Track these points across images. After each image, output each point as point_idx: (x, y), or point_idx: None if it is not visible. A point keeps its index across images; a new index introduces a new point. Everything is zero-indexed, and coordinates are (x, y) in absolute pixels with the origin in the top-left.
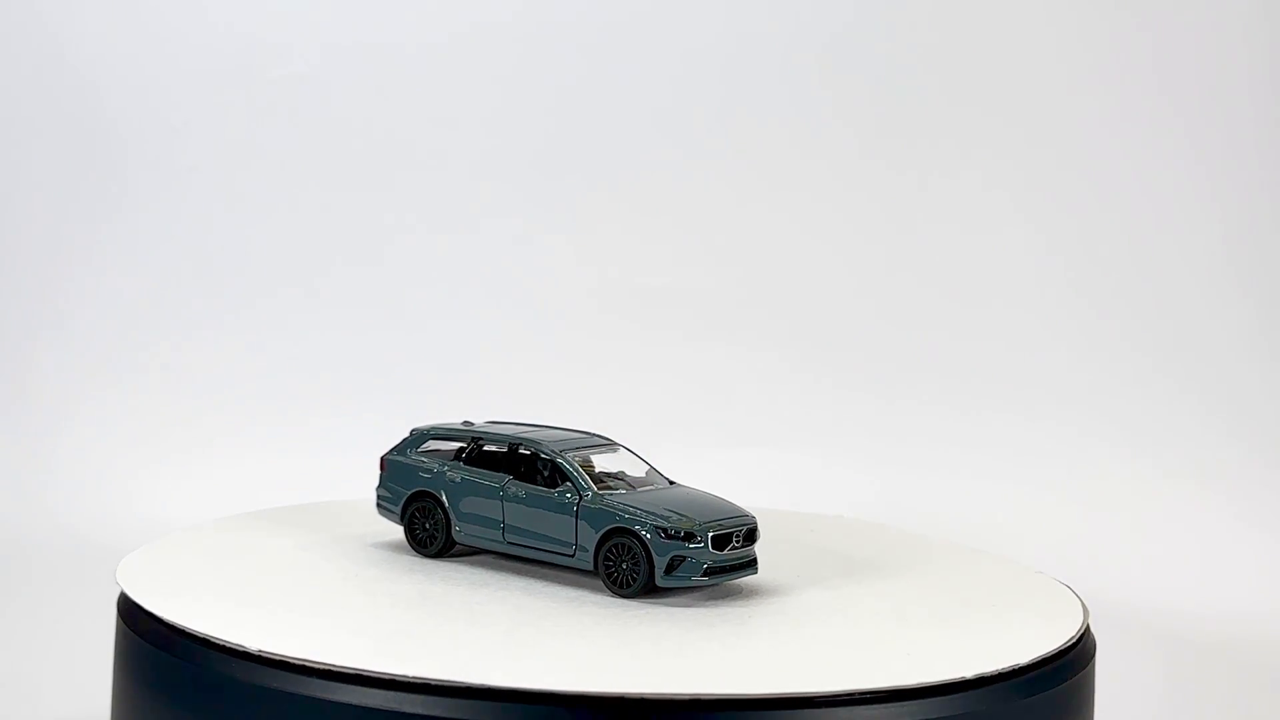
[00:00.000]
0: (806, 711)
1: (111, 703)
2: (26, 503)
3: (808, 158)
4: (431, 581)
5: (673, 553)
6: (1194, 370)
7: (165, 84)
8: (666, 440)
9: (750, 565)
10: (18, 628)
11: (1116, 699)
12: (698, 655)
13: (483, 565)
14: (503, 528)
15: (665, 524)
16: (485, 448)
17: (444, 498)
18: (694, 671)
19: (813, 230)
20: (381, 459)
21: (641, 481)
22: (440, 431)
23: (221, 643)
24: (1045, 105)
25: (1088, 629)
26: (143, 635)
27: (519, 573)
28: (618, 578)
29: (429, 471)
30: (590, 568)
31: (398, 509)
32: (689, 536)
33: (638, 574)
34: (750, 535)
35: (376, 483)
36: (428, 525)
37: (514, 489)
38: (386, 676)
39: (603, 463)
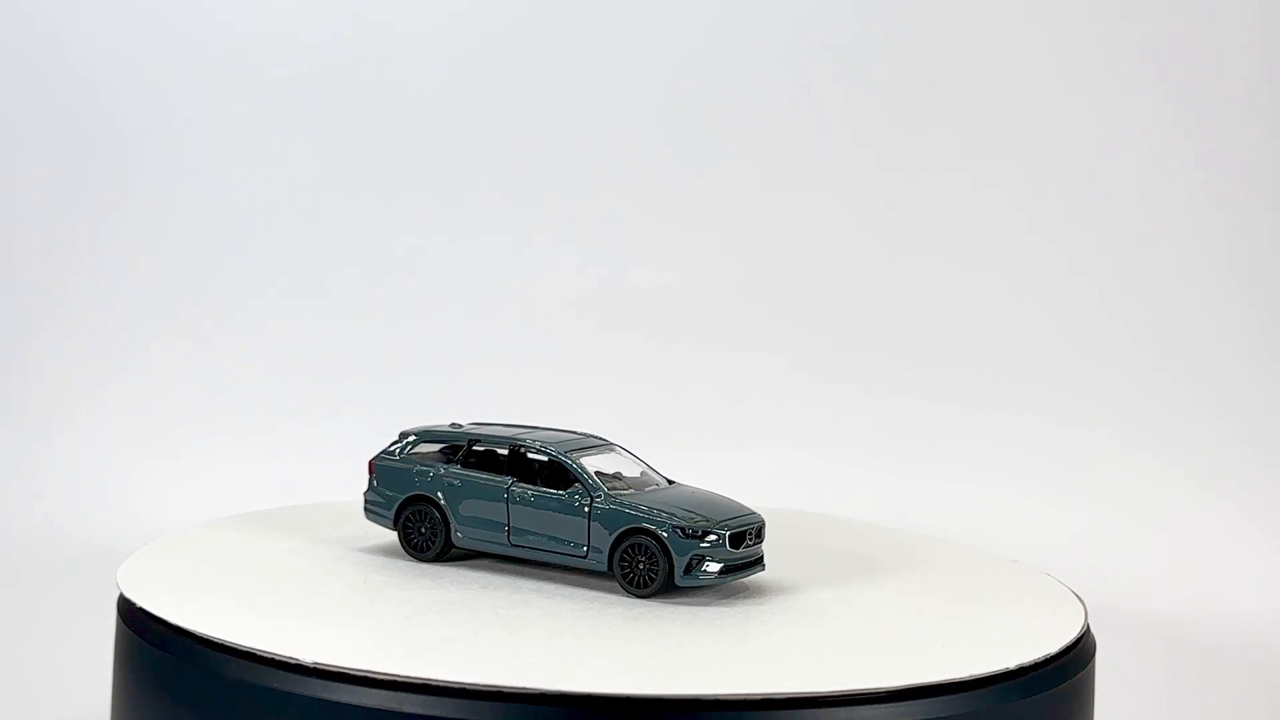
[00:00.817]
0: (807, 711)
1: (111, 703)
2: (26, 503)
3: (808, 157)
4: (431, 582)
5: (692, 552)
6: (1196, 369)
7: (165, 84)
8: (665, 440)
9: (759, 563)
10: (18, 628)
11: (1116, 699)
12: (697, 655)
13: (481, 566)
14: (508, 530)
15: (685, 524)
16: (483, 450)
17: (442, 501)
18: (694, 672)
19: (813, 230)
20: (370, 462)
21: (640, 481)
22: (432, 434)
23: (221, 643)
24: (1048, 104)
25: (1088, 629)
26: (143, 635)
27: (518, 573)
28: (634, 578)
29: (424, 474)
30: (603, 568)
31: (390, 513)
32: (706, 535)
33: (655, 574)
34: (759, 533)
35: (365, 487)
36: (423, 529)
37: (520, 491)
38: (386, 676)
39: (598, 463)
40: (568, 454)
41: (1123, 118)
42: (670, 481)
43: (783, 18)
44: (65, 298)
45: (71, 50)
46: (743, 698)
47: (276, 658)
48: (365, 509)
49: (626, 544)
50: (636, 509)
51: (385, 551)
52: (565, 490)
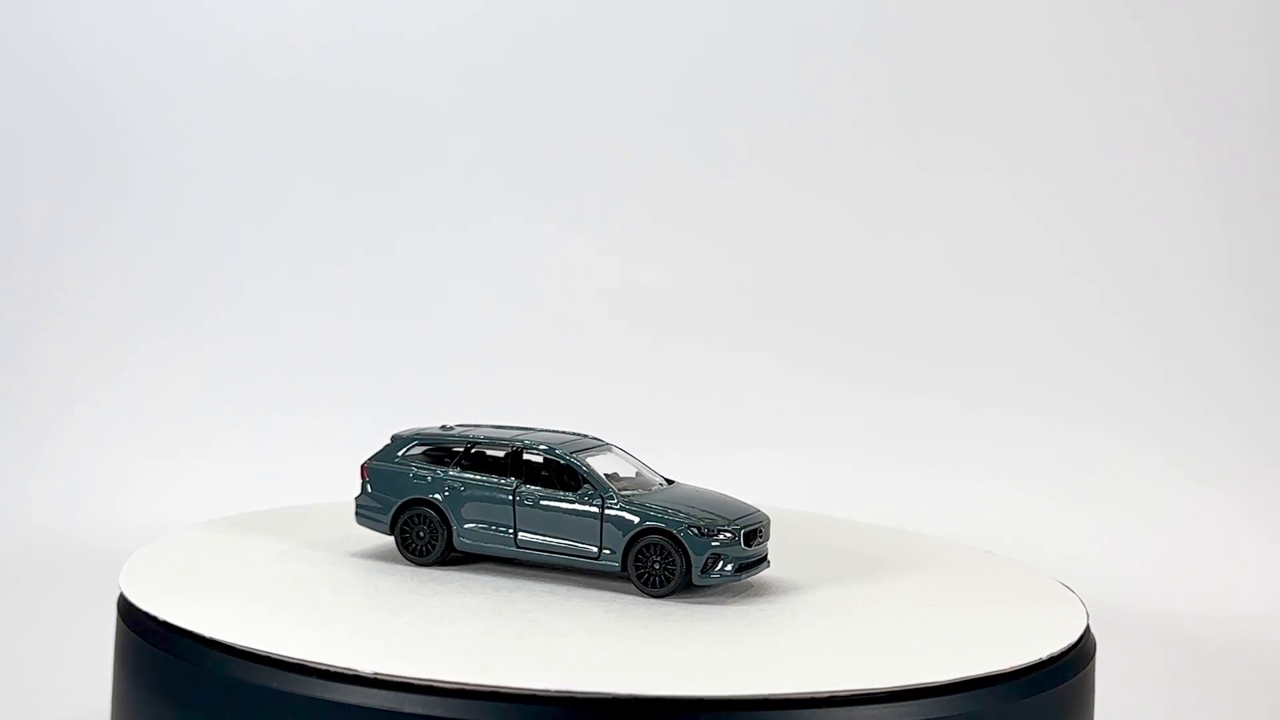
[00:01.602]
0: (807, 711)
1: (111, 703)
2: (25, 503)
3: (810, 157)
4: (431, 582)
5: (710, 551)
6: (1196, 369)
7: (164, 85)
8: (665, 440)
9: (765, 560)
10: (18, 628)
11: (1116, 699)
12: (698, 656)
13: (481, 567)
14: (515, 533)
15: (701, 523)
16: (482, 452)
17: (443, 504)
18: (694, 672)
19: (812, 230)
20: (363, 467)
21: (639, 481)
22: (426, 437)
23: (221, 643)
24: (1049, 105)
25: (1088, 629)
26: (143, 635)
27: (518, 574)
28: (649, 578)
29: (423, 478)
30: (616, 569)
31: (386, 518)
32: (722, 534)
33: (671, 574)
34: (766, 531)
35: (357, 492)
36: (422, 533)
37: (528, 493)
38: (386, 677)
39: (596, 463)
40: (573, 455)
41: (1124, 118)
42: (669, 481)
43: (785, 19)
44: (64, 298)
45: (71, 50)
46: (743, 698)
47: (276, 658)
48: (357, 514)
49: (641, 544)
50: (651, 509)
51: (384, 552)
52: (575, 492)
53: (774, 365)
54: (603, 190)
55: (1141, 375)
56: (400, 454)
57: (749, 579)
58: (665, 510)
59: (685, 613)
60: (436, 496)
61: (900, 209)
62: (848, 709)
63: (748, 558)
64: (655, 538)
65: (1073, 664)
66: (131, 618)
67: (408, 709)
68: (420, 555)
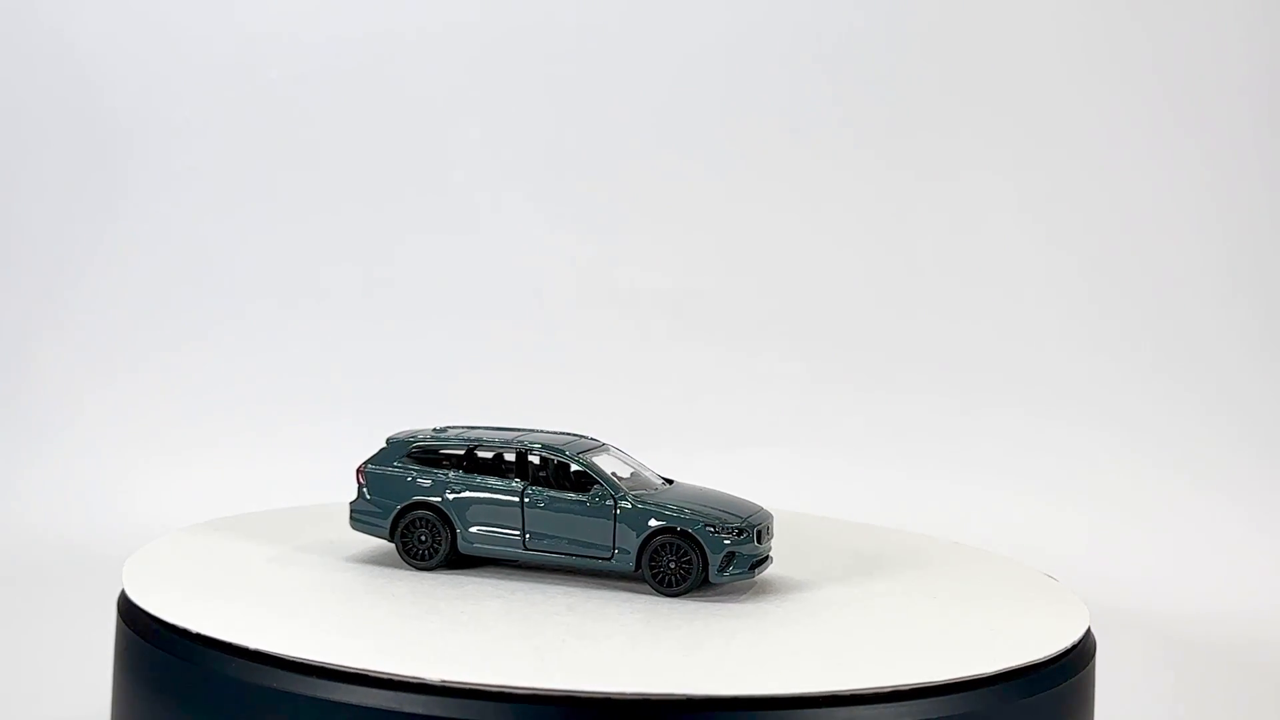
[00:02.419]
0: (807, 711)
1: (111, 703)
2: (25, 504)
3: (812, 158)
4: (430, 583)
5: (726, 549)
6: (1198, 371)
7: (164, 88)
8: (663, 440)
9: (769, 559)
10: (18, 628)
11: (1116, 699)
12: (698, 656)
13: (481, 567)
14: (524, 535)
15: (718, 522)
16: (485, 454)
17: (447, 508)
18: (695, 672)
19: (813, 230)
20: (359, 471)
21: (640, 481)
22: (425, 440)
23: (221, 643)
24: (1051, 107)
25: (1088, 629)
26: (143, 635)
27: (518, 575)
28: (664, 577)
29: (425, 481)
30: (630, 570)
31: (385, 522)
32: (737, 532)
33: (687, 573)
34: (771, 529)
35: (354, 496)
36: (424, 537)
37: (537, 495)
38: (386, 676)
39: (595, 463)
40: (580, 455)
41: (1125, 118)
42: (668, 480)
43: (789, 20)
44: (64, 301)
45: (73, 50)
46: (743, 698)
47: (277, 657)
48: (353, 519)
49: (655, 544)
50: (665, 509)
51: (383, 552)
52: (587, 493)
53: (774, 365)
54: (603, 190)
55: (1142, 376)
56: (398, 457)
57: (753, 578)
58: (681, 509)
59: (684, 613)
60: (440, 500)
61: (901, 210)
62: (848, 709)
63: (759, 555)
64: (669, 537)
65: (1073, 664)
66: (131, 618)
67: (408, 709)
68: (422, 560)
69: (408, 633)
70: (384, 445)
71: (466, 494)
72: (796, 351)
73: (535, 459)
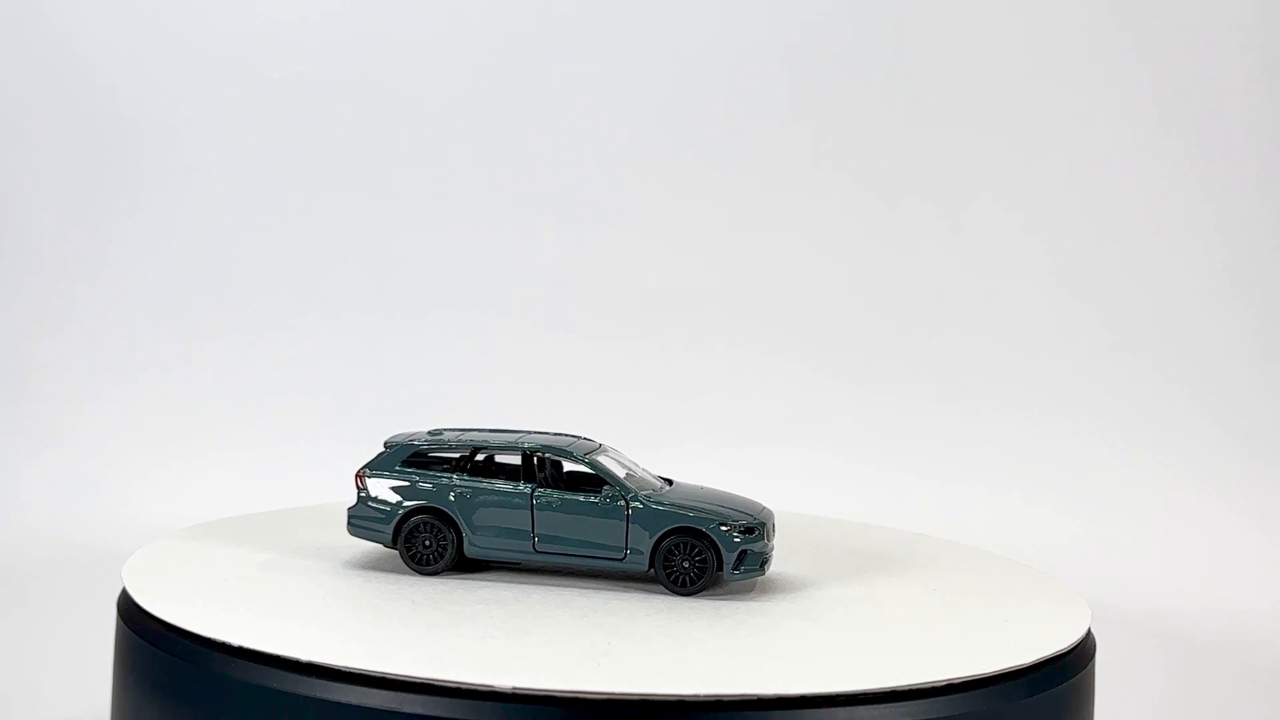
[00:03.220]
0: (807, 711)
1: (111, 703)
2: (26, 505)
3: (815, 159)
4: (429, 583)
5: (741, 548)
6: (1195, 372)
7: (174, 91)
8: (663, 440)
9: (771, 557)
10: (18, 629)
11: (1116, 699)
12: (698, 656)
13: (480, 570)
14: (534, 538)
15: (732, 521)
16: (490, 456)
17: (453, 512)
18: (694, 672)
19: (815, 230)
20: (359, 476)
21: (641, 480)
22: (426, 443)
23: (221, 643)
24: (1047, 110)
25: (1088, 629)
26: (143, 635)
27: (517, 575)
28: (679, 577)
29: (429, 485)
30: (643, 570)
31: (388, 528)
32: (750, 531)
33: (701, 572)
34: (774, 527)
35: (354, 502)
36: (429, 542)
37: (548, 497)
38: (386, 676)
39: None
40: (587, 456)
41: (1121, 123)
42: (667, 480)
43: (788, 20)
44: (65, 303)
45: (76, 52)
46: (743, 698)
47: (276, 657)
48: (351, 525)
49: (668, 544)
50: (678, 509)
51: (381, 552)
52: (598, 493)
53: (773, 365)
54: (603, 190)
55: (1141, 378)
56: (399, 462)
57: (763, 575)
58: (694, 509)
59: (683, 613)
60: (445, 503)
61: (901, 213)
62: (848, 709)
63: (768, 552)
64: (683, 537)
65: (1073, 664)
66: (131, 618)
67: (408, 709)
68: (426, 565)
69: (407, 633)
70: (383, 449)
71: (473, 497)
72: (796, 352)
73: (541, 461)
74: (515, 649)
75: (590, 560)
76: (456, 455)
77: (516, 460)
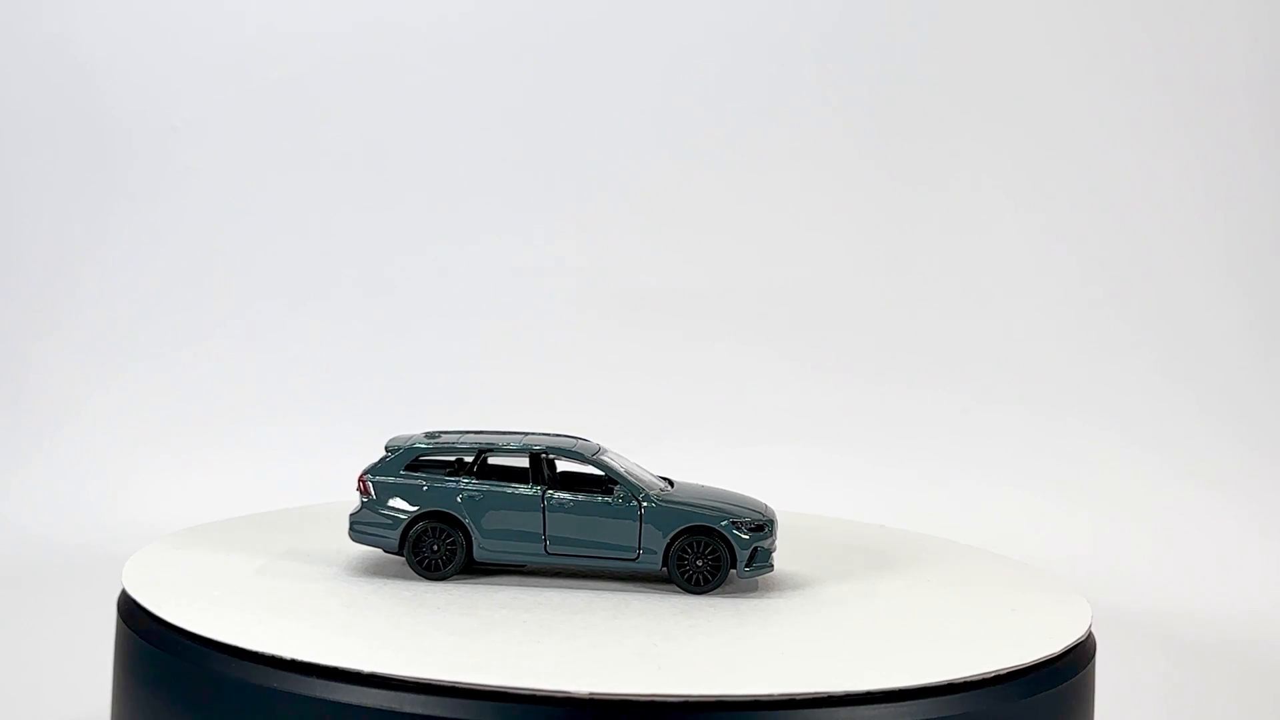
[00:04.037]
0: (807, 711)
1: (111, 703)
2: (27, 504)
3: (816, 157)
4: (429, 583)
5: (753, 545)
6: (1199, 371)
7: (167, 89)
8: (661, 440)
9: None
10: (18, 629)
11: (1116, 699)
12: (698, 656)
13: (480, 570)
14: (545, 540)
15: (745, 519)
16: (496, 459)
17: (462, 515)
18: (694, 672)
19: (814, 230)
20: (362, 481)
21: (643, 481)
22: (431, 447)
23: (221, 643)
24: (1051, 104)
25: (1089, 629)
26: (143, 635)
27: (518, 575)
28: (693, 576)
29: (437, 489)
30: (656, 569)
31: (395, 533)
32: (759, 529)
33: (716, 570)
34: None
35: (356, 508)
36: (436, 546)
37: (560, 499)
38: (386, 676)
39: (576, 464)
40: (595, 457)
41: (1124, 117)
42: (667, 479)
43: (781, 18)
44: (66, 302)
45: (74, 50)
46: (743, 698)
47: (277, 657)
48: (354, 532)
49: (681, 543)
50: (691, 507)
51: (382, 553)
52: (610, 494)
53: (773, 365)
54: (603, 190)
55: (1143, 376)
56: (403, 466)
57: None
58: (706, 507)
59: (682, 613)
60: (454, 507)
61: (904, 209)
62: (848, 709)
63: (774, 549)
64: (696, 536)
65: (1073, 664)
66: (131, 618)
67: (408, 709)
68: (435, 570)
69: (407, 633)
70: (385, 453)
71: (482, 500)
72: (796, 351)
73: (550, 462)
74: (565, 652)
75: (602, 561)
76: (462, 458)
77: (517, 461)
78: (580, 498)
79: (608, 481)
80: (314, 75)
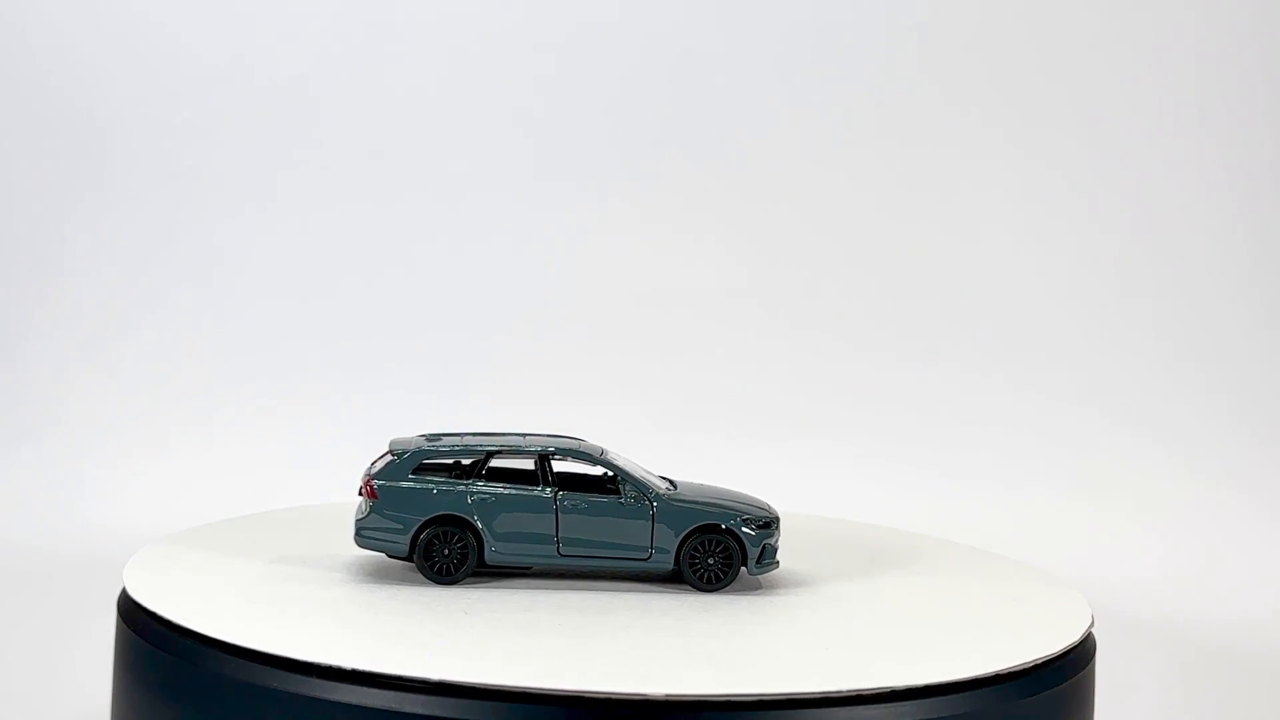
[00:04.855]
0: (807, 711)
1: (111, 703)
2: (26, 504)
3: (816, 157)
4: (429, 583)
5: (763, 542)
6: (1208, 369)
7: (157, 84)
8: (660, 439)
9: None
10: (18, 629)
11: (1116, 699)
12: (697, 655)
13: (480, 570)
14: (558, 541)
15: (755, 517)
16: (502, 462)
17: (474, 519)
18: (695, 672)
19: (816, 229)
20: (369, 485)
21: (653, 482)
22: (437, 450)
23: (221, 643)
24: (1066, 95)
25: (1089, 629)
26: (143, 635)
27: (518, 575)
28: (705, 574)
29: (447, 493)
30: (667, 569)
31: (404, 538)
32: (766, 526)
33: (728, 568)
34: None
35: (362, 513)
36: (447, 550)
37: (571, 500)
38: (386, 676)
39: (584, 464)
40: (604, 458)
41: (1142, 109)
42: (669, 480)
43: (784, 16)
44: (60, 299)
45: (68, 48)
46: (743, 698)
47: (276, 657)
48: (361, 537)
49: (692, 542)
50: (702, 506)
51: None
52: (620, 494)
53: (772, 366)
54: (603, 191)
55: (1149, 374)
56: (410, 469)
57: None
58: (716, 506)
59: (681, 612)
60: (466, 511)
61: (907, 206)
62: (848, 709)
63: (779, 548)
64: (707, 535)
65: (1073, 664)
66: (131, 618)
67: (408, 709)
68: (446, 574)
69: (408, 633)
70: (391, 457)
71: (494, 503)
72: (796, 351)
73: (558, 462)
74: (565, 652)
75: (615, 562)
76: (465, 460)
77: (518, 463)
78: (593, 499)
79: (607, 482)
80: (314, 75)
